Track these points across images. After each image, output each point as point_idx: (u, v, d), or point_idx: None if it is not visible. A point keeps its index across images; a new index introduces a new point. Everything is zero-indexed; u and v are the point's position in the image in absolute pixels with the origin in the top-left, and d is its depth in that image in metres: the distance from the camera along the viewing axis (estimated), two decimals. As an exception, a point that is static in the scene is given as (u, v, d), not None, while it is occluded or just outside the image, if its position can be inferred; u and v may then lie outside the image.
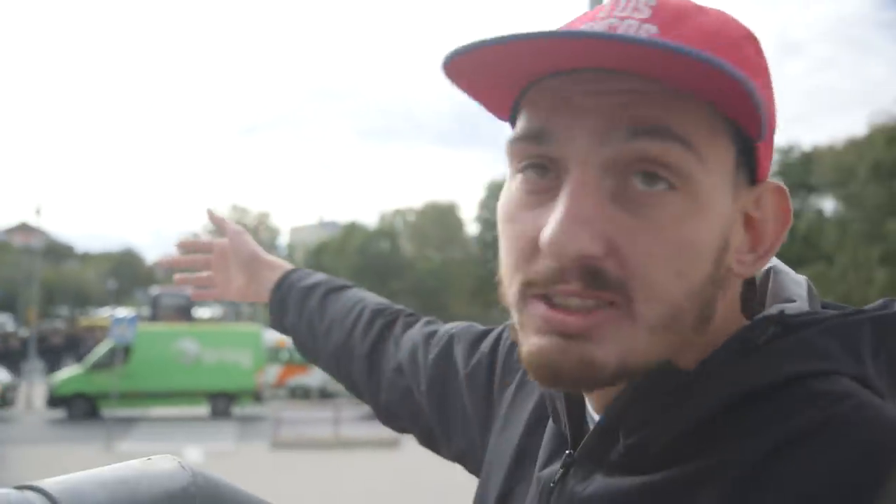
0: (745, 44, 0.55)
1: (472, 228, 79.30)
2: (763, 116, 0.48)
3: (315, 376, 24.67)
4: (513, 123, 0.57)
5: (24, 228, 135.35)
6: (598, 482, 0.55)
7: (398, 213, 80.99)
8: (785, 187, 0.57)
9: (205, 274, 1.17)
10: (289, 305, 1.08)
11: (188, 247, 1.18)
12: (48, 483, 0.49)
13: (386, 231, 75.77)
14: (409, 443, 16.83)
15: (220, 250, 1.15)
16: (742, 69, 0.50)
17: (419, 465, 13.34)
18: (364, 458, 14.37)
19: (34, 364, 24.27)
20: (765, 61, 0.56)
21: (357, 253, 71.07)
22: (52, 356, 27.41)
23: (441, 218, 77.49)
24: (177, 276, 1.18)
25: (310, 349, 1.09)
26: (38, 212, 27.99)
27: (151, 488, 0.49)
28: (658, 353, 0.52)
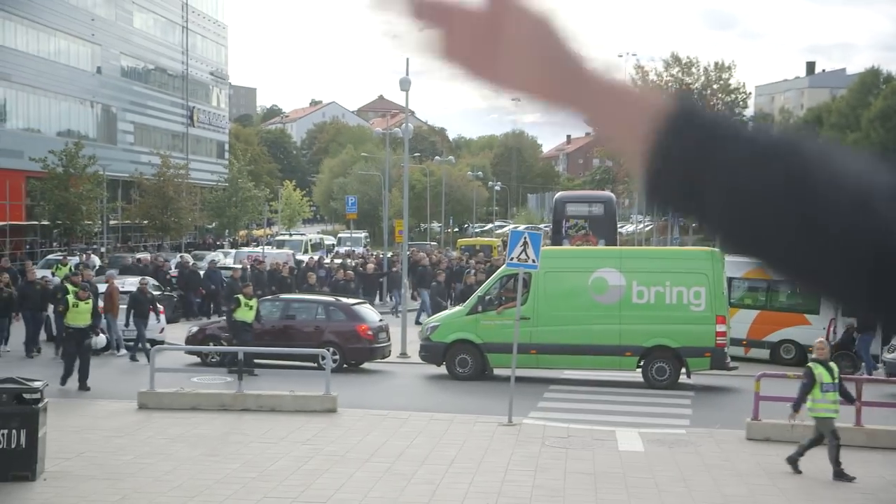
0: None
1: None
2: None
3: (816, 327, 24.01)
4: None
5: (383, 105, 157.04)
6: None
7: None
8: None
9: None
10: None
11: None
12: None
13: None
14: None
15: None
16: None
17: None
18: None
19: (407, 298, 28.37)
20: None
21: None
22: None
23: None
24: None
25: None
26: (403, 84, 31.55)
27: None
28: None
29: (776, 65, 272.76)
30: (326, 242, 63.38)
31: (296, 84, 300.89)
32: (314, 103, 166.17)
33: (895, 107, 68.66)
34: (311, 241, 60.25)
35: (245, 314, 21.25)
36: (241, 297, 21.48)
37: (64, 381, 18.57)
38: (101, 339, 20.71)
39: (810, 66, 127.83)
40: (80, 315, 19.14)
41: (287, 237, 60.14)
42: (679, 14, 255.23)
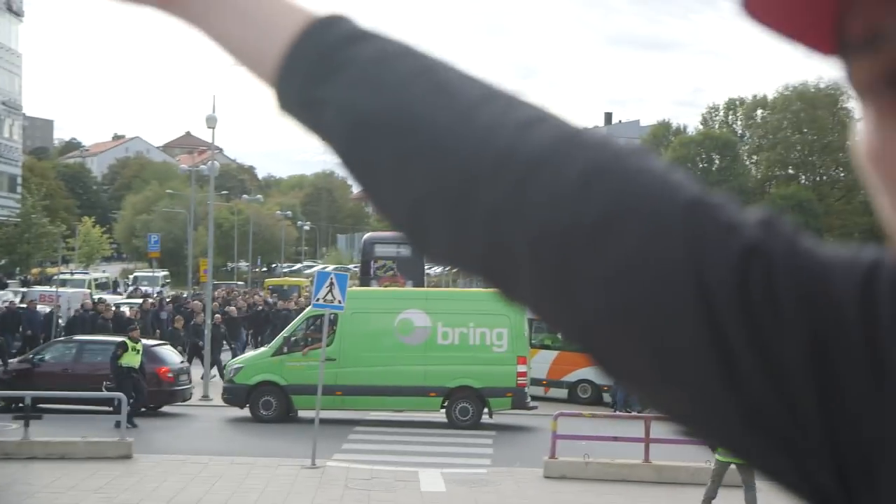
0: None
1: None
2: None
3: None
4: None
5: (190, 142, 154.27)
6: None
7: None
8: None
9: None
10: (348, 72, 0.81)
11: None
12: None
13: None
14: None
15: None
16: None
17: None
18: (688, 498, 14.25)
19: (213, 343, 27.65)
20: None
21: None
22: (232, 330, 31.12)
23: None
24: None
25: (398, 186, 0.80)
26: (210, 121, 31.21)
27: None
28: None
29: (578, 114, 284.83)
30: (135, 284, 60.50)
31: (97, 117, 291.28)
32: (117, 137, 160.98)
33: (683, 157, 72.83)
34: (96, 280, 57.31)
35: (132, 359, 20.03)
36: (127, 340, 20.31)
37: None
38: None
39: (608, 117, 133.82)
40: None
41: (68, 276, 55.61)
42: (489, 61, 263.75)
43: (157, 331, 27.16)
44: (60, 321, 30.93)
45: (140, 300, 38.89)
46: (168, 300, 39.17)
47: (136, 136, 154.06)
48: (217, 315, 29.42)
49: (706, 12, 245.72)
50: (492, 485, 15.25)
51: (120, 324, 27.86)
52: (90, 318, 28.93)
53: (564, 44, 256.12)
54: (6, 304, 33.02)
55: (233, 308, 34.77)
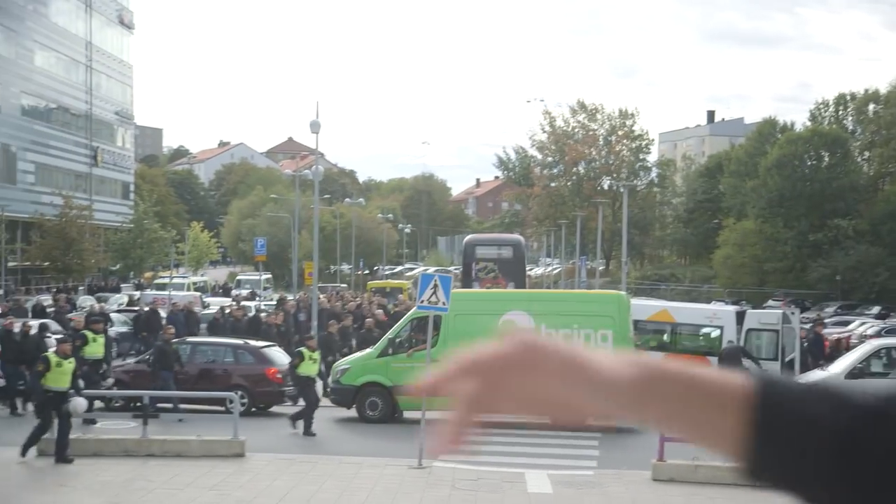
0: None
1: None
2: None
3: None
4: None
5: (292, 147, 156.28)
6: None
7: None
8: None
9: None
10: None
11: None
12: None
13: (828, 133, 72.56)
14: None
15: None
16: None
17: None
18: None
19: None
20: None
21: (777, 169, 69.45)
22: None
23: None
24: None
25: None
26: (314, 126, 31.79)
27: None
28: None
29: (679, 113, 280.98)
30: (239, 287, 61.65)
31: (203, 125, 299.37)
32: (222, 144, 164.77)
33: (790, 155, 71.10)
34: (194, 283, 58.47)
35: (309, 368, 20.03)
36: (304, 349, 20.23)
37: (26, 450, 15.89)
38: (80, 402, 16.54)
39: (710, 115, 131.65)
40: (62, 376, 16.29)
41: (167, 280, 56.20)
42: (586, 61, 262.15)
43: (297, 335, 27.06)
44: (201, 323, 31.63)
45: (253, 302, 39.46)
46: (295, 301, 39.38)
47: (241, 143, 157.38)
48: (369, 320, 29.18)
49: (814, 6, 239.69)
50: (599, 487, 15.18)
51: (255, 328, 28.29)
52: (230, 322, 29.51)
53: (663, 41, 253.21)
54: (137, 305, 34.06)
55: (380, 312, 34.09)
